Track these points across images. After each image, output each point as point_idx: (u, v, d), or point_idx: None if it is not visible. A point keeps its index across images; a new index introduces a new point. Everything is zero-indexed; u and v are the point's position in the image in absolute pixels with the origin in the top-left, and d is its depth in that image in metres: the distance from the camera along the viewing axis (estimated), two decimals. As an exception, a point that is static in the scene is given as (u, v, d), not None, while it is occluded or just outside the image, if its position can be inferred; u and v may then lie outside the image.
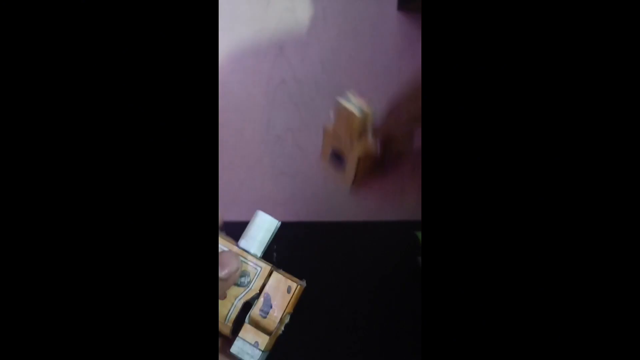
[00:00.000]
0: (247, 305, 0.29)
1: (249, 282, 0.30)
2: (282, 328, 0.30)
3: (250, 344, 0.29)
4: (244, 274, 0.29)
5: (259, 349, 0.29)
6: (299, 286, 0.30)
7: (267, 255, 0.31)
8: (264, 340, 0.29)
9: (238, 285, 0.29)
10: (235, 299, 0.29)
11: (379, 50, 0.46)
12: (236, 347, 0.29)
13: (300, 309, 0.31)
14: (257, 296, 0.29)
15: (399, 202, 0.42)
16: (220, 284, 0.28)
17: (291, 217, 0.42)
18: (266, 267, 0.30)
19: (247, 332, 0.29)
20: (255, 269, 0.30)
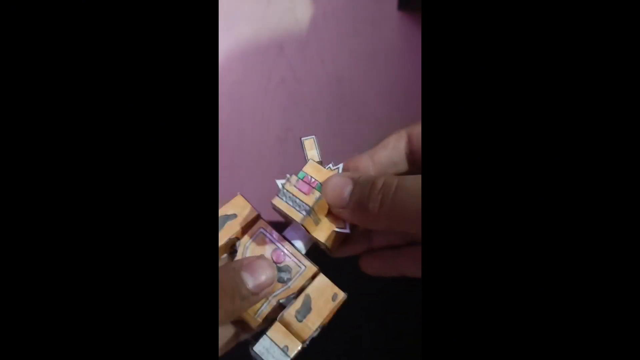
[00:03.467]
0: (282, 304, 0.27)
1: (289, 280, 0.27)
2: (309, 340, 0.26)
3: (278, 346, 0.25)
4: (285, 268, 0.27)
5: (288, 355, 0.25)
6: (344, 296, 0.26)
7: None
8: (294, 346, 0.25)
9: (277, 280, 0.26)
10: (270, 295, 0.26)
11: (379, 50, 0.46)
12: (261, 347, 0.25)
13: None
14: (295, 296, 0.26)
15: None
16: (248, 298, 0.25)
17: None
18: (311, 267, 0.27)
19: (277, 333, 0.25)
20: (299, 266, 0.27)
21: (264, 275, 0.25)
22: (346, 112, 0.45)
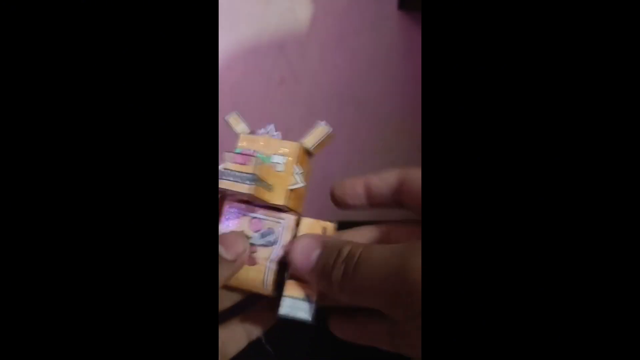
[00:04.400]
0: (283, 264, 0.27)
1: (276, 239, 0.27)
2: None
3: (300, 299, 0.26)
4: (268, 232, 0.27)
5: (312, 302, 0.26)
6: (333, 225, 0.27)
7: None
8: (312, 292, 0.26)
9: (265, 245, 0.27)
10: (267, 262, 0.27)
11: (379, 50, 0.46)
12: (286, 308, 0.26)
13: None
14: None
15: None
16: (227, 267, 0.26)
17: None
18: (290, 216, 0.27)
19: (293, 289, 0.26)
20: (279, 222, 0.27)
21: (237, 244, 0.26)
22: (346, 112, 0.45)
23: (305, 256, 0.25)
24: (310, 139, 0.28)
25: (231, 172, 0.25)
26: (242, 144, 0.28)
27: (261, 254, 0.27)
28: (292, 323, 0.26)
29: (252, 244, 0.27)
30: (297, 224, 0.27)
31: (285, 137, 0.29)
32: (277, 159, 0.27)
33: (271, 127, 0.28)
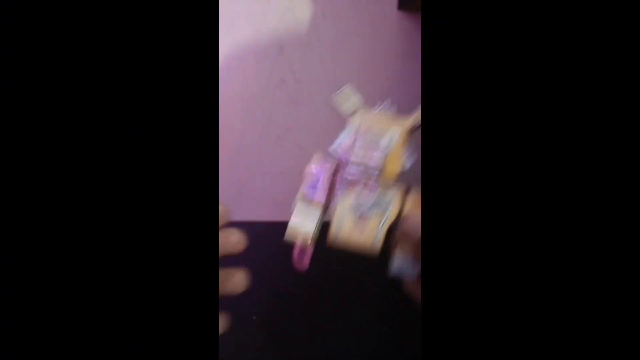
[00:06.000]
0: (390, 230, 0.30)
1: (386, 208, 0.31)
2: None
3: (406, 259, 0.29)
4: (378, 203, 0.30)
5: (416, 262, 0.29)
6: None
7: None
8: (418, 255, 0.29)
9: (376, 214, 0.31)
10: (377, 227, 0.30)
11: (379, 50, 0.46)
12: (396, 266, 0.30)
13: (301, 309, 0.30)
14: (399, 217, 0.30)
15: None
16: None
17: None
18: (400, 190, 0.31)
19: (401, 251, 0.30)
20: (387, 193, 0.31)
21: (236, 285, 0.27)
22: (346, 113, 0.45)
23: (419, 232, 0.28)
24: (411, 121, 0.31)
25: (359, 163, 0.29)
26: (355, 121, 0.31)
27: (372, 220, 0.30)
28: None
29: (363, 213, 0.31)
30: (406, 193, 0.30)
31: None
32: (385, 140, 0.31)
33: (387, 101, 0.31)
